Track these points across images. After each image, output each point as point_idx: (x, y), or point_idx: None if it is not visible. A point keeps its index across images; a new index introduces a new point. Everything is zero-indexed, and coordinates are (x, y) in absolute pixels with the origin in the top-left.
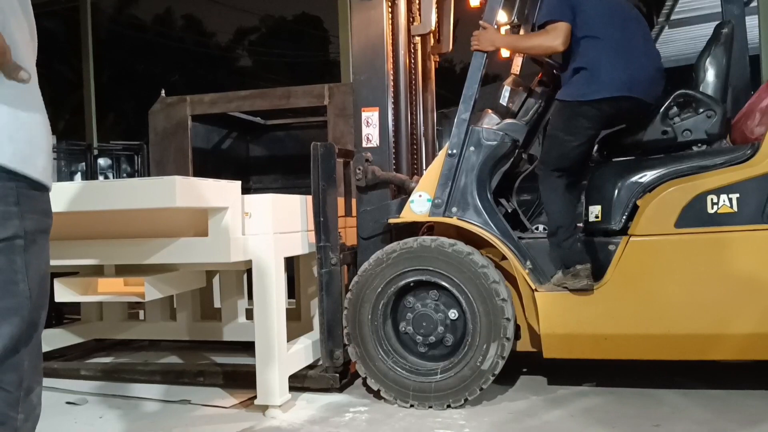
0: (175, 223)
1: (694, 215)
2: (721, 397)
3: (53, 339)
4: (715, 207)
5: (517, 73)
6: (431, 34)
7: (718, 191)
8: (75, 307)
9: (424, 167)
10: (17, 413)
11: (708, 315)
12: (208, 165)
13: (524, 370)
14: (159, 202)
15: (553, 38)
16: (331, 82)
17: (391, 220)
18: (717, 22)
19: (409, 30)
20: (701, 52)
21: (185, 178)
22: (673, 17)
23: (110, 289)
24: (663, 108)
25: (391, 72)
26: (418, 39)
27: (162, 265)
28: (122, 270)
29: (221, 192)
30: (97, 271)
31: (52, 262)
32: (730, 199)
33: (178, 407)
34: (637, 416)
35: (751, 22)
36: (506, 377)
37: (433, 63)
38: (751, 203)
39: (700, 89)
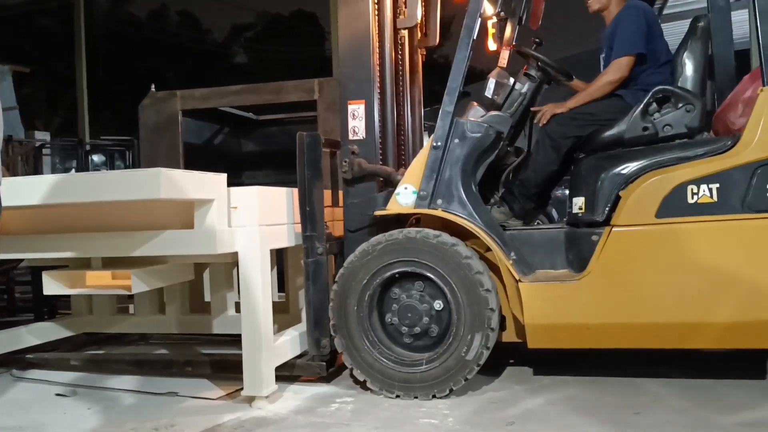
0: (162, 215)
1: (675, 205)
2: (702, 386)
3: (43, 333)
4: (695, 197)
5: (504, 65)
6: (418, 28)
7: (698, 181)
8: (67, 302)
9: (411, 160)
10: None
11: (689, 304)
12: (200, 160)
13: (511, 361)
14: (144, 194)
15: (616, 72)
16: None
17: (377, 213)
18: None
19: (395, 23)
20: (678, 47)
21: (170, 170)
22: (666, 11)
23: (98, 282)
24: (642, 105)
25: (378, 65)
26: (404, 32)
27: (150, 258)
28: (111, 263)
29: (207, 184)
30: (85, 264)
31: (39, 255)
32: (710, 189)
33: (166, 399)
34: (618, 404)
35: (743, 16)
36: (492, 368)
37: (420, 56)
38: (730, 193)
39: (679, 84)
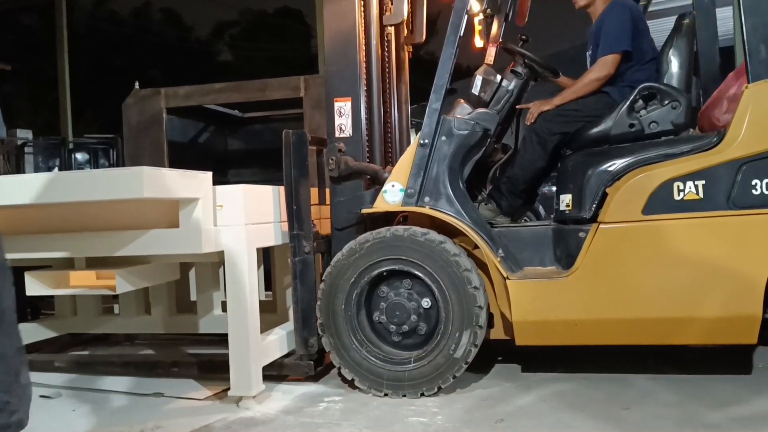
0: (147, 214)
1: (661, 202)
2: (690, 381)
3: (26, 334)
4: (682, 194)
5: (490, 63)
6: (404, 24)
7: (684, 178)
8: (50, 302)
9: (398, 157)
10: (11, 397)
11: (676, 300)
12: (185, 159)
13: (499, 358)
14: (126, 194)
15: (602, 70)
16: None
17: (365, 211)
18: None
19: (381, 20)
20: (664, 43)
21: (153, 169)
22: (651, 8)
23: (82, 282)
24: (629, 101)
25: (364, 62)
26: (390, 29)
27: (135, 258)
28: (95, 263)
29: (192, 183)
30: (69, 264)
31: (21, 255)
32: (696, 186)
33: (152, 400)
34: (608, 400)
35: (726, 13)
36: (481, 366)
37: (406, 53)
38: (716, 190)
39: (665, 81)
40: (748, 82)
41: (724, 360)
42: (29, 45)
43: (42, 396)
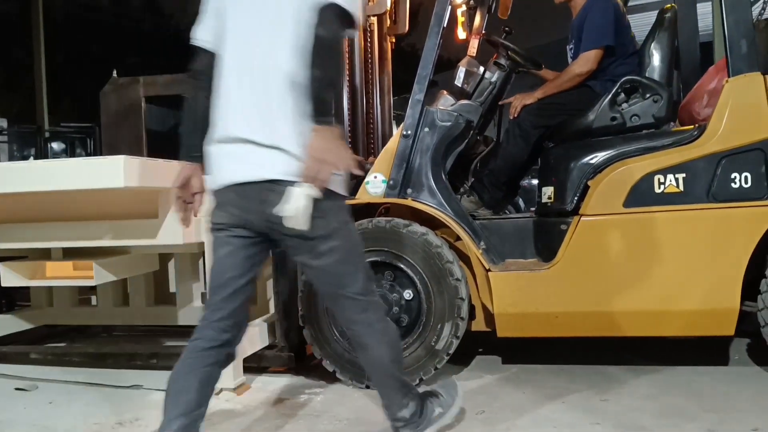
0: (126, 204)
1: (642, 195)
2: (668, 373)
3: (1, 325)
4: (662, 187)
5: (473, 54)
6: (387, 15)
7: (665, 171)
8: (26, 293)
9: (381, 148)
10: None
11: (655, 292)
12: (165, 148)
13: (480, 350)
14: (105, 183)
15: (584, 65)
16: None
17: (347, 202)
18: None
19: (364, 10)
20: (646, 37)
21: (132, 158)
22: (631, 3)
23: (59, 273)
24: (611, 95)
25: (346, 52)
26: (373, 19)
27: (113, 248)
28: (72, 253)
29: (171, 172)
30: (45, 254)
31: None
32: (677, 179)
33: (130, 392)
34: (587, 391)
35: (704, 9)
36: (462, 358)
37: (389, 44)
38: (696, 183)
39: (647, 74)
40: (729, 76)
41: (701, 352)
42: (4, 31)
43: (17, 388)
